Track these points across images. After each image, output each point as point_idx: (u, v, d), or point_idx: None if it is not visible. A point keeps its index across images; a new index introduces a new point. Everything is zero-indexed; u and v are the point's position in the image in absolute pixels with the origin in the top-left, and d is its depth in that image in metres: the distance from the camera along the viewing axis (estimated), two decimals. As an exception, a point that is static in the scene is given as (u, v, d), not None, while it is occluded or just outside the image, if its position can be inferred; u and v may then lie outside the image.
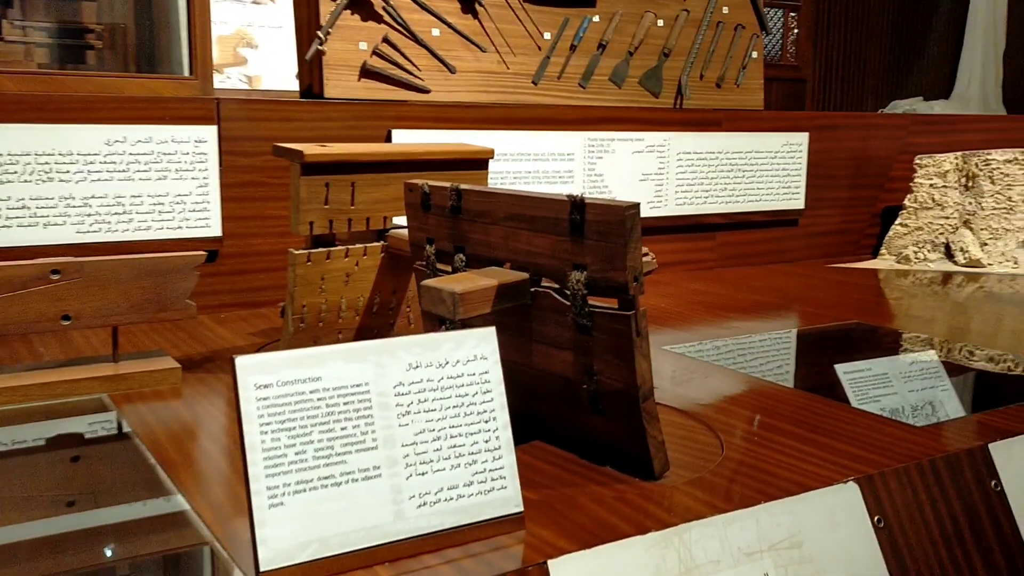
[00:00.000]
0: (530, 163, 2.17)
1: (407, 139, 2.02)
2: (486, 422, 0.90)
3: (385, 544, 0.83)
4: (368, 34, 2.13)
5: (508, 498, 0.90)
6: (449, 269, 1.19)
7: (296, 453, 0.81)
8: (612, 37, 2.46)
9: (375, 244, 1.48)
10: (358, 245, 1.47)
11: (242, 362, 0.80)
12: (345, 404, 0.84)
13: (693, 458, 1.10)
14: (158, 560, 0.89)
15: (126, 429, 1.19)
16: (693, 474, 1.04)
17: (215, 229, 1.81)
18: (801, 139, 2.62)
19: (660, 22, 2.53)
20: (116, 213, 1.72)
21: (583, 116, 2.29)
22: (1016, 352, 1.74)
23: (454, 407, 0.89)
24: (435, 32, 2.22)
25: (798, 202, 2.65)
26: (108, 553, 0.90)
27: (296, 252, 1.42)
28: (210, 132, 1.80)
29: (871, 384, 1.55)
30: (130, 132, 1.72)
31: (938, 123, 3.08)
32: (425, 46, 2.21)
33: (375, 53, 2.15)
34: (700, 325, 1.88)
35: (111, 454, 1.13)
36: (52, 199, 1.67)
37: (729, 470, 1.05)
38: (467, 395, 0.90)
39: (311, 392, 0.83)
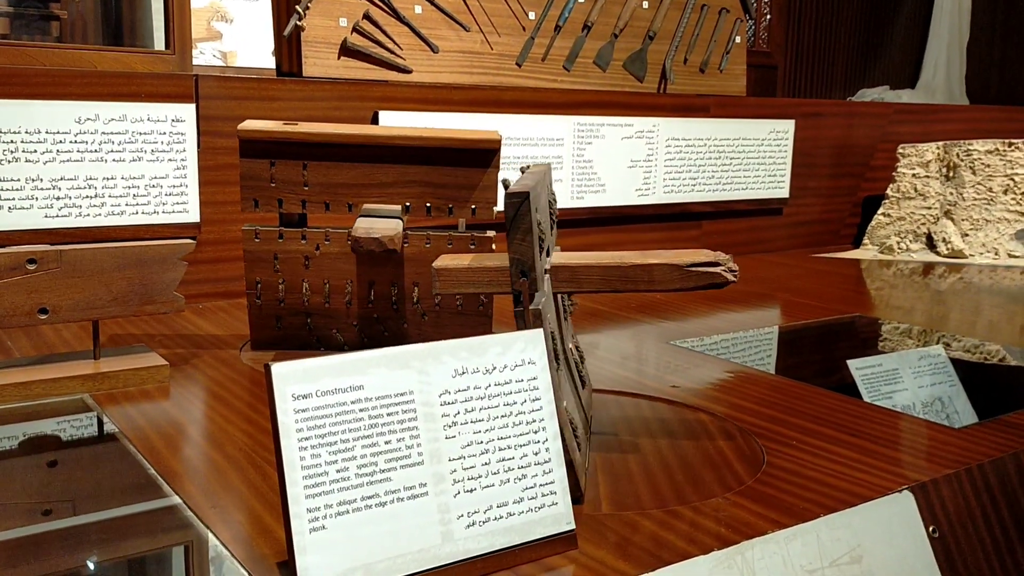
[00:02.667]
0: (520, 148, 2.09)
1: (393, 121, 1.92)
2: (535, 432, 0.83)
3: (434, 569, 0.75)
4: (349, 10, 2.03)
5: (559, 515, 0.82)
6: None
7: (338, 471, 0.73)
8: (597, 19, 2.39)
9: (339, 231, 1.41)
10: (317, 229, 1.40)
11: (279, 370, 0.72)
12: (389, 415, 0.76)
13: (734, 465, 1.04)
14: (173, 587, 0.80)
15: (114, 431, 1.09)
16: (738, 483, 0.98)
17: (193, 214, 1.71)
18: (787, 126, 2.58)
19: (645, 3, 2.47)
20: (87, 196, 1.60)
21: (572, 100, 2.22)
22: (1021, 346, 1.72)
23: (502, 416, 0.81)
24: (417, 10, 2.13)
25: (783, 191, 2.62)
26: (114, 579, 0.81)
27: (245, 228, 1.42)
28: (188, 111, 1.68)
29: (882, 380, 1.52)
30: (102, 109, 1.60)
31: (919, 112, 3.07)
32: (407, 24, 2.12)
33: (355, 30, 2.05)
34: (698, 317, 1.82)
35: (101, 461, 1.03)
36: (18, 180, 1.55)
37: (776, 479, 0.99)
38: (515, 403, 0.82)
39: (352, 402, 0.74)
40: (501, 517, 0.79)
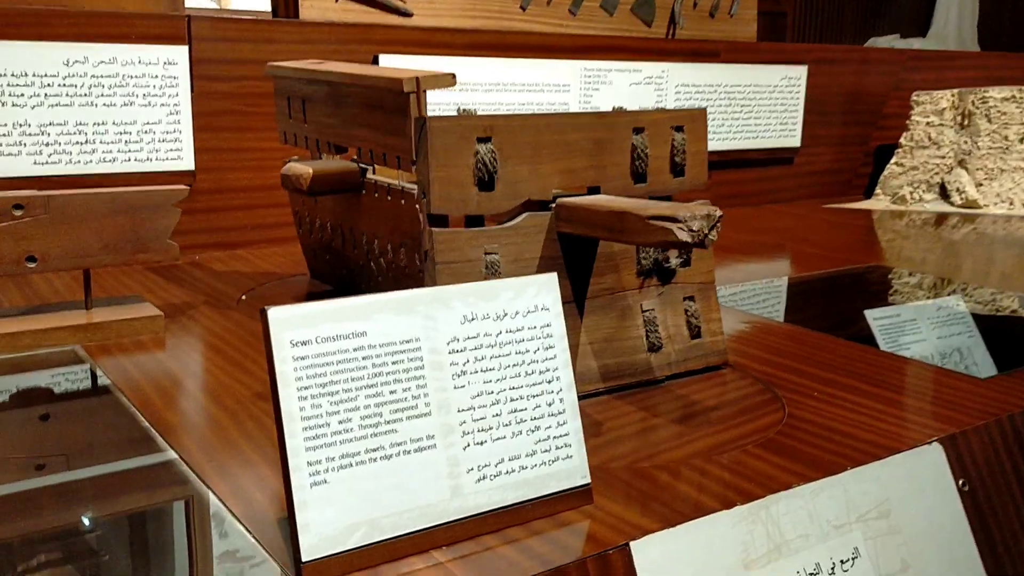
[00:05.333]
0: (525, 94, 2.02)
1: (394, 64, 1.86)
2: (548, 383, 0.78)
3: (442, 525, 0.71)
4: (348, -50, 1.95)
5: (574, 468, 0.78)
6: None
7: (340, 422, 0.68)
8: (604, -39, 2.31)
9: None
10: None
11: (276, 315, 0.67)
12: (394, 363, 0.71)
13: (754, 416, 0.99)
14: (165, 543, 0.76)
15: (107, 384, 1.05)
16: (760, 435, 0.94)
17: (187, 162, 1.65)
18: (800, 72, 2.50)
19: (654, -54, 2.38)
20: (78, 143, 1.55)
21: (578, 44, 2.15)
22: (1042, 297, 1.67)
23: (514, 366, 0.77)
24: (419, -50, 2.05)
25: (794, 139, 2.55)
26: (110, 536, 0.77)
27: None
28: (181, 53, 1.62)
29: (900, 330, 1.47)
30: (91, 51, 1.54)
31: (933, 59, 2.98)
32: (408, -35, 2.04)
33: (355, -29, 1.98)
34: (710, 268, 1.77)
35: (94, 414, 0.99)
36: (5, 125, 1.49)
37: (798, 430, 0.95)
38: (527, 351, 0.77)
39: (355, 350, 0.70)
40: (513, 471, 0.75)
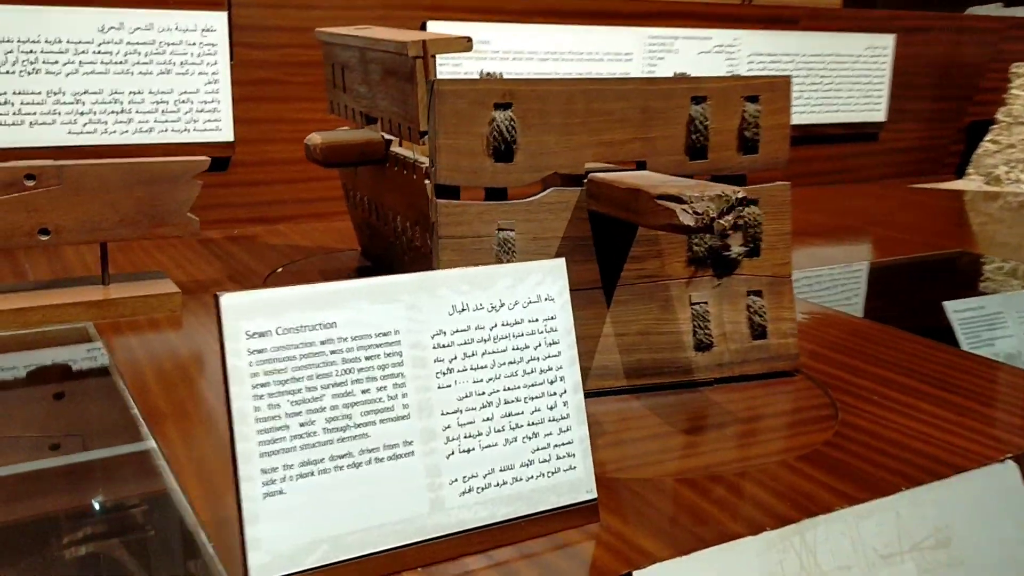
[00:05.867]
0: (582, 63, 1.92)
1: (444, 31, 1.77)
2: (551, 383, 0.69)
3: (419, 543, 0.63)
4: (401, -88, 1.86)
5: (578, 481, 0.69)
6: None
7: (301, 424, 0.60)
8: (676, -79, 2.17)
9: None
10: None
11: (230, 302, 0.59)
12: (368, 359, 0.63)
13: (800, 423, 0.89)
14: (121, 546, 0.70)
15: (107, 364, 0.99)
16: (805, 445, 0.83)
17: (226, 133, 1.59)
18: (887, 42, 2.33)
19: (731, -95, 2.23)
20: (113, 112, 1.51)
21: (642, 10, 2.02)
22: None
23: (510, 363, 0.68)
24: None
25: (879, 114, 2.38)
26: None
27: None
28: (220, 19, 1.56)
29: (983, 324, 1.33)
30: (127, 17, 1.49)
31: (1036, 28, 2.76)
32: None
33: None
34: (776, 251, 1.64)
35: (81, 397, 0.94)
36: (39, 93, 1.45)
37: (850, 441, 0.84)
38: (527, 347, 0.68)
39: (323, 343, 0.62)
40: (505, 483, 0.66)
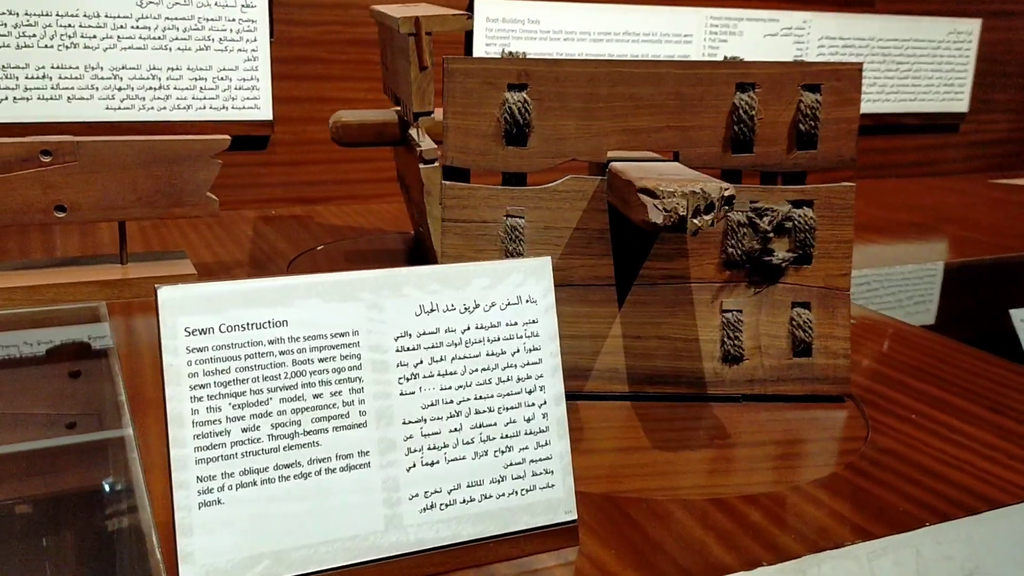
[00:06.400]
0: (639, 45, 1.84)
1: (491, 11, 1.71)
2: (529, 392, 0.63)
3: (371, 562, 0.58)
4: None
5: (555, 501, 0.63)
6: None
7: (244, 430, 0.56)
8: None
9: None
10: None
11: (168, 296, 0.55)
12: (321, 361, 0.58)
13: (823, 441, 0.81)
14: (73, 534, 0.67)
15: (108, 347, 0.97)
16: (824, 468, 0.75)
17: (265, 111, 1.57)
18: (971, 27, 2.18)
19: None
20: (151, 88, 1.49)
21: (706, -10, 1.93)
22: None
23: (483, 370, 0.62)
24: None
25: (960, 104, 2.23)
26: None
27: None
28: (260, -5, 1.53)
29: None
30: (167, -8, 1.47)
31: None
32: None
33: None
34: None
35: (71, 380, 0.91)
36: (77, 68, 1.44)
37: (876, 466, 0.76)
38: (502, 353, 0.63)
39: (271, 342, 0.57)
40: (472, 500, 0.61)
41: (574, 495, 0.64)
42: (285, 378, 0.57)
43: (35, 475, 0.73)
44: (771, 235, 0.88)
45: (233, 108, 1.54)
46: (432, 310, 0.61)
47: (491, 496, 0.61)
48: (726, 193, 0.69)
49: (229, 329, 0.56)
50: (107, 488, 0.72)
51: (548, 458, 0.63)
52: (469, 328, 0.62)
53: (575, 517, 0.63)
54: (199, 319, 0.55)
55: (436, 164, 1.00)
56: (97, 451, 0.77)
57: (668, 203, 0.68)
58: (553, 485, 0.63)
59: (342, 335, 0.59)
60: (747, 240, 0.88)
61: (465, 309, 0.62)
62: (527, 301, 0.64)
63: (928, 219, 1.83)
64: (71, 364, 0.96)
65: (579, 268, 0.88)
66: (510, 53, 0.90)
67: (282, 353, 0.57)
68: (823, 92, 0.88)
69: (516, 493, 0.62)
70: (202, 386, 0.55)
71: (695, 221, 0.68)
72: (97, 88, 1.46)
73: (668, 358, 0.88)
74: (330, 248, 1.38)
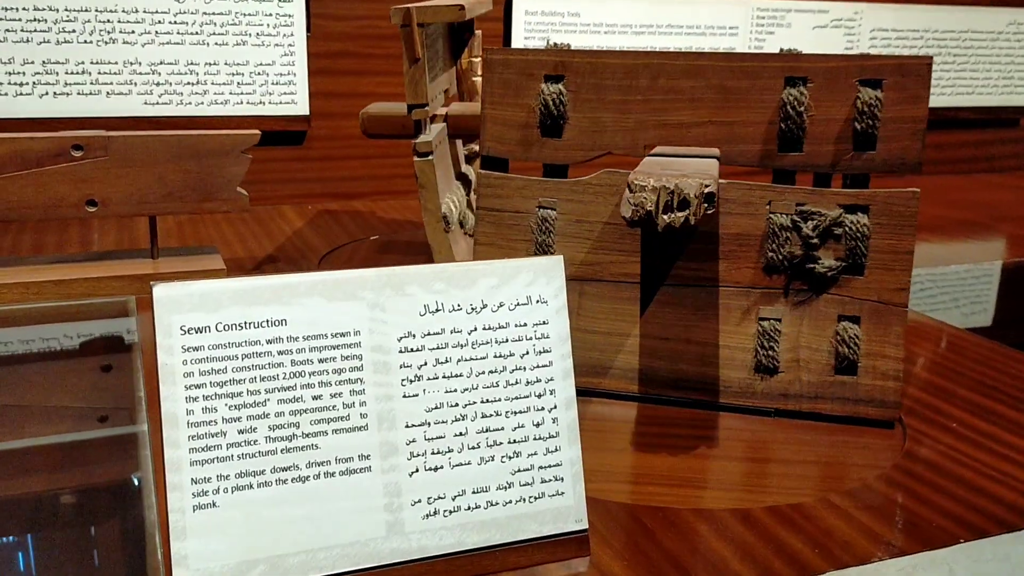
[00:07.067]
0: (683, 38, 1.80)
1: (529, 5, 1.68)
2: (539, 396, 0.61)
3: (371, 569, 0.56)
4: None
5: (565, 509, 0.61)
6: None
7: (240, 431, 0.54)
8: None
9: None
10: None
11: (164, 293, 0.54)
12: (322, 362, 0.56)
13: (856, 451, 0.77)
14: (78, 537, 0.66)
15: (133, 342, 0.97)
16: (854, 480, 0.72)
17: (302, 107, 1.56)
18: (1033, 17, 2.10)
19: None
20: (189, 83, 1.49)
21: (753, -18, 1.88)
22: None
23: (490, 372, 0.60)
24: None
25: (1020, 98, 2.15)
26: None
27: None
28: (297, -10, 1.53)
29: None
30: (204, -13, 1.47)
31: None
32: None
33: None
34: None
35: (96, 375, 0.91)
36: (116, 63, 1.45)
37: (911, 477, 0.72)
38: (511, 355, 0.60)
39: (270, 342, 0.56)
40: (477, 507, 0.59)
41: (585, 503, 0.61)
42: (283, 379, 0.56)
43: (44, 470, 0.72)
44: (815, 241, 0.82)
45: (270, 103, 1.54)
46: (437, 310, 0.59)
47: (497, 503, 0.59)
48: (707, 190, 0.66)
49: (226, 328, 0.55)
50: (116, 485, 0.71)
51: (558, 464, 0.61)
52: (476, 329, 0.60)
53: (586, 526, 0.61)
54: (195, 318, 0.54)
55: (430, 157, 0.99)
56: (111, 447, 0.76)
57: (636, 197, 0.65)
58: (563, 492, 0.61)
59: (343, 335, 0.57)
60: (789, 245, 0.83)
61: (472, 309, 0.60)
62: (537, 301, 0.61)
63: (983, 217, 1.76)
64: (98, 359, 0.96)
65: (609, 264, 0.86)
66: (555, 45, 0.88)
67: (280, 353, 0.56)
68: (885, 88, 0.81)
69: (524, 500, 0.60)
70: (197, 386, 0.54)
71: (664, 217, 0.65)
72: (135, 83, 1.47)
73: (695, 363, 0.85)
74: (363, 244, 1.37)
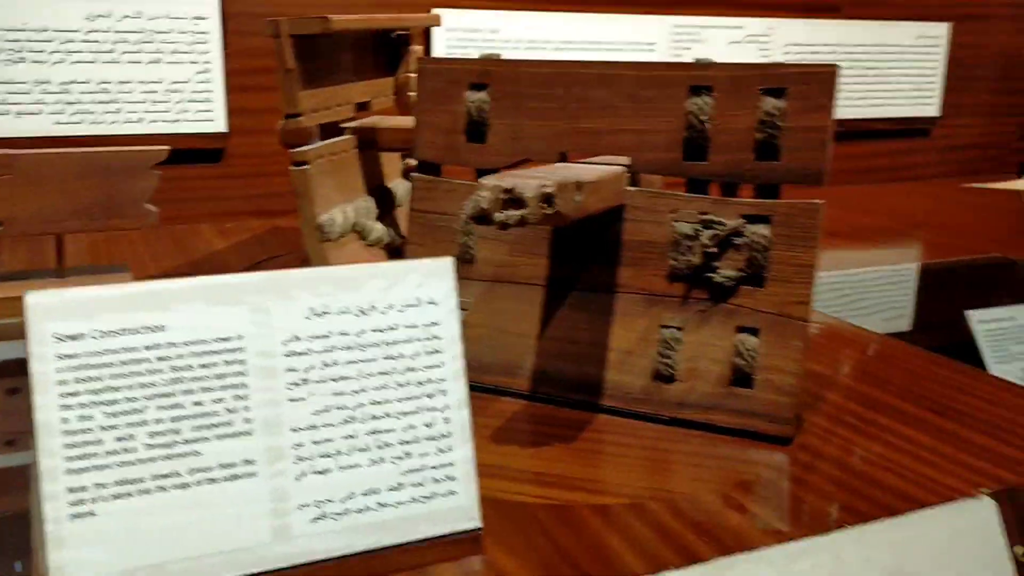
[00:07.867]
0: (602, 54, 1.82)
1: (452, 22, 1.70)
2: (430, 397, 0.61)
3: (258, 575, 0.56)
4: None
5: (458, 508, 0.61)
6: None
7: (118, 439, 0.54)
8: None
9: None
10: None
11: (36, 300, 0.53)
12: (203, 367, 0.56)
13: (750, 445, 0.79)
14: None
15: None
16: (743, 470, 0.73)
17: (219, 124, 1.55)
18: (940, 31, 2.17)
19: None
20: (101, 102, 1.47)
21: (669, -3, 1.92)
22: None
23: (380, 374, 0.60)
24: None
25: (931, 109, 2.22)
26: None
27: None
28: (211, 7, 1.52)
29: (1012, 338, 1.20)
30: (116, 5, 1.45)
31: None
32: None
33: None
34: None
35: (5, 398, 0.89)
36: (25, 83, 1.43)
37: (800, 467, 0.74)
38: (401, 356, 0.61)
39: (148, 348, 0.55)
40: (367, 508, 0.59)
41: (478, 502, 0.61)
42: (163, 385, 0.55)
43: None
44: (714, 251, 0.82)
45: (186, 121, 1.53)
46: (325, 313, 0.59)
47: (388, 504, 0.59)
48: (546, 190, 0.66)
49: (102, 335, 0.54)
50: (23, 508, 0.70)
51: (450, 464, 0.61)
52: (364, 331, 0.60)
53: (479, 525, 0.61)
54: (69, 325, 0.54)
55: (306, 167, 1.02)
56: (19, 471, 0.75)
57: (475, 196, 0.66)
58: (456, 492, 0.61)
59: (225, 340, 0.57)
60: (691, 254, 0.82)
61: (360, 311, 0.60)
62: (428, 303, 0.62)
63: (893, 223, 1.81)
64: (4, 382, 0.94)
65: (524, 266, 0.88)
66: (487, 55, 0.91)
67: (160, 359, 0.55)
68: (789, 97, 0.80)
69: (416, 501, 0.60)
70: (72, 394, 0.53)
71: (499, 215, 0.65)
72: (46, 103, 1.44)
73: (600, 367, 0.86)
74: (279, 260, 1.36)
